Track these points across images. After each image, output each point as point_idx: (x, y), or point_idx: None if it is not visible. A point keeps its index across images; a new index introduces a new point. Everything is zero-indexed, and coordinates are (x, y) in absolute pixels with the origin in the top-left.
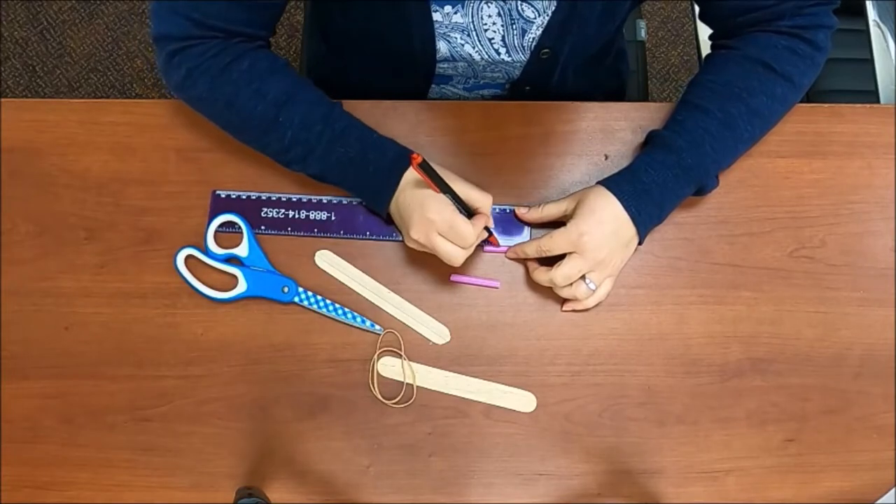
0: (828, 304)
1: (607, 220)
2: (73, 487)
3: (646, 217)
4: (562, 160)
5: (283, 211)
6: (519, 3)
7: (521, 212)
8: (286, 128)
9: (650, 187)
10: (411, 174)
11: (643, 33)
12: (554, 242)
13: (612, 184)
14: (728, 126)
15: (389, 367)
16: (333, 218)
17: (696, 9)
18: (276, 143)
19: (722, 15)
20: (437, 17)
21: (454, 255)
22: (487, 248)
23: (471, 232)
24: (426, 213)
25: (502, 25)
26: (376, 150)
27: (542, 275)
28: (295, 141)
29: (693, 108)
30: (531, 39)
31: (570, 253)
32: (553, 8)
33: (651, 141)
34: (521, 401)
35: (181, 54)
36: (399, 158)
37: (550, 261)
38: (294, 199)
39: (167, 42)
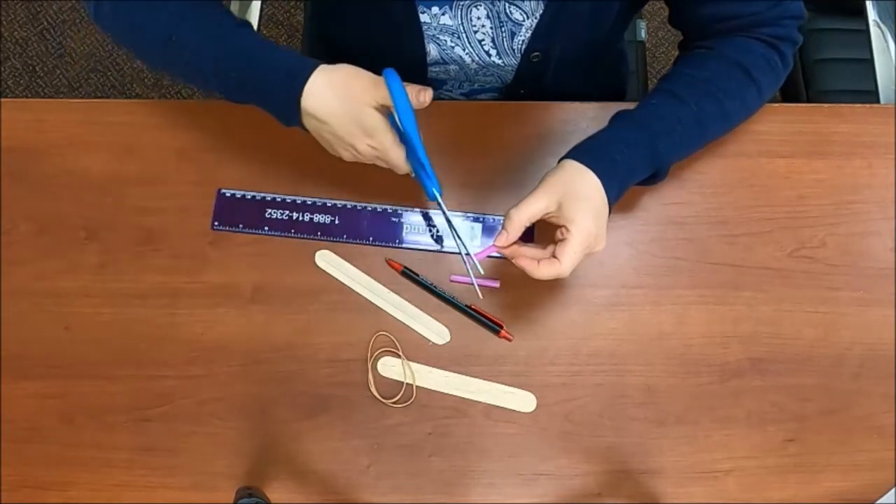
0: (828, 304)
1: (597, 200)
2: (73, 487)
3: (611, 196)
4: None
5: (286, 212)
6: (507, 5)
7: (500, 243)
8: (180, 48)
9: (620, 168)
10: (312, 86)
11: (643, 33)
12: (573, 259)
13: (588, 159)
14: (700, 122)
15: (389, 367)
16: (337, 221)
17: None
18: (177, 66)
19: (699, 21)
20: (424, 18)
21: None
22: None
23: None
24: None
25: (491, 27)
26: (268, 72)
27: (548, 269)
28: (190, 63)
29: (670, 95)
30: (521, 42)
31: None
32: (541, 10)
33: (622, 118)
34: (521, 401)
35: None
36: (291, 78)
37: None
38: (298, 202)
39: None
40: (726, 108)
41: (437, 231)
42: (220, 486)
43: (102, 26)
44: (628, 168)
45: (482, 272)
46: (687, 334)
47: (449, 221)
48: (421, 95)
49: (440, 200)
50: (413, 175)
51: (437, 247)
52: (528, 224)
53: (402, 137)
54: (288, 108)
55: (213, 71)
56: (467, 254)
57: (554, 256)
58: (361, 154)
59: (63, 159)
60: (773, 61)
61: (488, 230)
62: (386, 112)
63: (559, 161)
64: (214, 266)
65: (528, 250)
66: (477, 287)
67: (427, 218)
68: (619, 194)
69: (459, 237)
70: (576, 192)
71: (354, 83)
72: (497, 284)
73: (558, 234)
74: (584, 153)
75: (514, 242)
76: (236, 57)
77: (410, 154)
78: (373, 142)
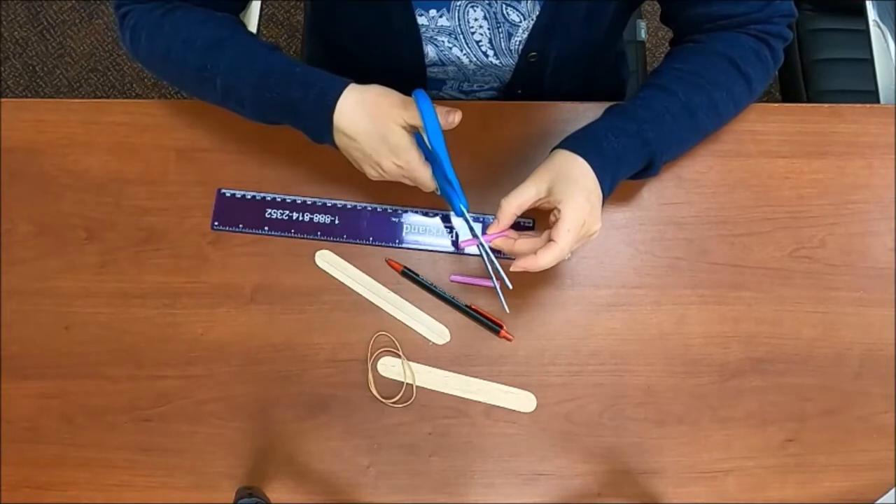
0: (828, 304)
1: (587, 181)
2: (73, 487)
3: (604, 184)
4: None
5: (286, 212)
6: (504, 6)
7: (499, 244)
8: (215, 75)
9: (609, 154)
10: (343, 103)
11: (643, 33)
12: (568, 238)
13: (576, 146)
14: (689, 112)
15: (390, 367)
16: (337, 221)
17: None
18: (212, 93)
19: (691, 21)
20: (422, 20)
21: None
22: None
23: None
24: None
25: (489, 28)
26: (301, 90)
27: (546, 255)
28: (226, 88)
29: (657, 88)
30: (518, 43)
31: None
32: (537, 11)
33: (611, 111)
34: (521, 401)
35: (128, 17)
36: (323, 96)
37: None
38: (299, 202)
39: (119, 6)
40: (714, 97)
41: (457, 237)
42: (220, 486)
43: (139, 58)
44: (618, 155)
45: (510, 287)
46: (687, 334)
47: (476, 236)
48: (450, 116)
49: (467, 217)
50: (439, 192)
51: (439, 247)
52: (518, 213)
53: (429, 156)
54: (321, 126)
55: (248, 95)
56: (496, 270)
57: (551, 240)
58: (387, 172)
59: (63, 159)
60: (763, 55)
61: None
62: (412, 132)
63: (550, 151)
64: (214, 266)
65: (525, 242)
66: (503, 301)
67: (445, 220)
68: (613, 183)
69: (489, 253)
70: (565, 175)
71: (384, 102)
72: (498, 285)
73: (552, 218)
74: (573, 141)
75: (509, 234)
76: (270, 80)
77: (437, 172)
78: (399, 160)
